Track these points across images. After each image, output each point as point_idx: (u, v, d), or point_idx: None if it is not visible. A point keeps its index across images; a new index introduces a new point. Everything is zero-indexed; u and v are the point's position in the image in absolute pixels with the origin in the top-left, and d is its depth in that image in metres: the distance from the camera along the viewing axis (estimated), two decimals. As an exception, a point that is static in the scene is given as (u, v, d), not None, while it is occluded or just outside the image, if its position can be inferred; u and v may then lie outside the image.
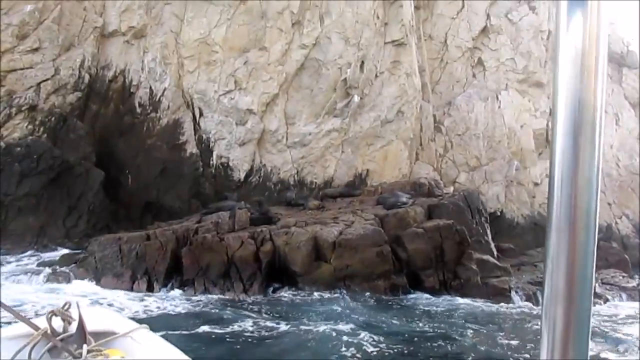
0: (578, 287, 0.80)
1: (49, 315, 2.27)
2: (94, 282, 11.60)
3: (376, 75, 19.96)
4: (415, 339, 9.30)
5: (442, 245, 13.31)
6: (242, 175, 19.00)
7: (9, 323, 2.64)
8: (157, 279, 11.77)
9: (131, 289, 11.65)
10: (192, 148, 19.06)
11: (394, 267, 12.86)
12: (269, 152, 19.42)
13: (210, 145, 19.08)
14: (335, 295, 11.89)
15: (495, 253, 14.95)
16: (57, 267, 12.07)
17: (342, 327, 9.25)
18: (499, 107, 21.32)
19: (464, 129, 21.11)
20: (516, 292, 13.26)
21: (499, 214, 20.82)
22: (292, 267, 12.32)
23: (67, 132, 18.13)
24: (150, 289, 11.73)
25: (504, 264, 14.35)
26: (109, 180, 18.54)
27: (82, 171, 17.94)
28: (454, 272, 13.30)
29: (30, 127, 17.66)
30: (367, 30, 19.48)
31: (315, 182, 19.63)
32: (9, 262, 13.36)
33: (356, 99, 19.58)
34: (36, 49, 17.85)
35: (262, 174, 19.34)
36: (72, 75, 18.11)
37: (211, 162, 19.07)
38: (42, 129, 17.78)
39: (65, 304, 2.36)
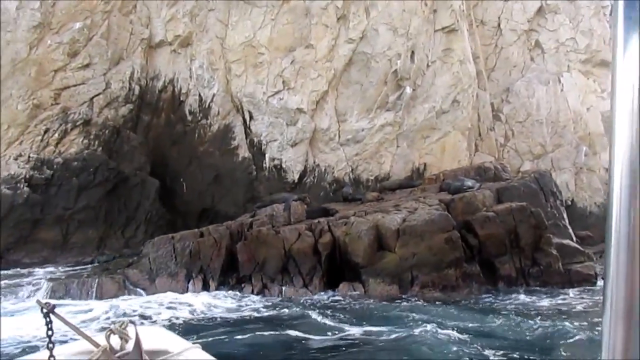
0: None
1: (108, 334, 2.30)
2: (148, 283, 10.79)
3: (428, 65, 18.79)
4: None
5: (516, 229, 11.93)
6: (296, 177, 18.12)
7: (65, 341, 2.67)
8: (213, 276, 10.95)
9: (186, 289, 10.81)
10: (244, 152, 18.37)
11: (464, 254, 11.48)
12: (322, 151, 18.48)
13: (262, 148, 18.33)
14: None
15: (574, 238, 13.31)
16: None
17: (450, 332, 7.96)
18: (562, 90, 19.68)
19: (525, 115, 19.56)
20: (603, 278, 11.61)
21: (569, 203, 19.02)
22: (354, 259, 11.22)
23: (121, 144, 17.84)
24: (205, 287, 10.88)
25: (586, 250, 12.70)
26: (164, 189, 18.10)
27: (137, 181, 17.58)
28: (532, 258, 11.82)
29: (85, 141, 17.45)
30: (415, 18, 18.40)
31: (371, 179, 18.54)
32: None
33: (408, 90, 18.44)
34: (87, 65, 17.72)
35: (316, 174, 18.40)
36: (122, 88, 17.86)
37: (264, 165, 18.30)
38: (97, 142, 17.54)
39: (123, 323, 2.38)
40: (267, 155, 18.28)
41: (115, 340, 2.31)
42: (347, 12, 18.45)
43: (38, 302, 2.25)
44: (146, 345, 2.31)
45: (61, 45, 17.48)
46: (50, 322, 2.22)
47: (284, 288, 10.96)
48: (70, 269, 14.96)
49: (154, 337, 2.58)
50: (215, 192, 18.29)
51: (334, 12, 18.36)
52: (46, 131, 17.25)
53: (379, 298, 10.72)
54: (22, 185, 16.44)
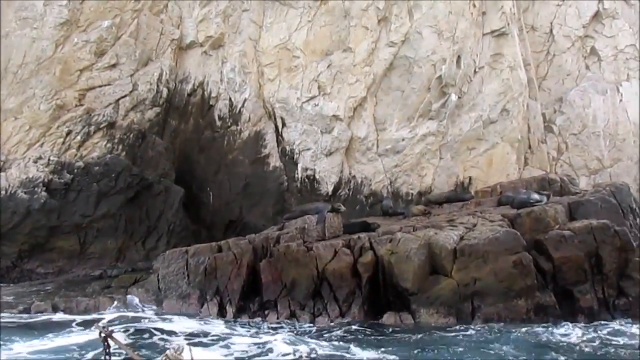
0: None
1: (164, 358, 2.33)
2: (155, 305, 8.31)
3: (475, 71, 16.25)
4: None
5: (597, 251, 9.12)
6: (330, 189, 15.69)
7: None
8: (231, 300, 8.45)
9: (199, 314, 8.26)
10: (275, 161, 16.05)
11: (536, 281, 8.71)
12: (359, 161, 16.00)
13: (295, 157, 15.97)
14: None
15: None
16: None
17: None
18: (621, 100, 16.89)
19: (580, 127, 16.77)
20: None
21: (630, 224, 15.94)
22: (402, 284, 8.66)
23: (146, 149, 15.77)
24: (222, 312, 8.34)
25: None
26: (189, 198, 15.88)
27: (161, 189, 15.44)
28: (617, 287, 8.97)
29: (109, 145, 15.45)
30: (462, 21, 15.89)
31: (412, 193, 16.00)
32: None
33: (453, 98, 15.91)
34: (114, 65, 15.81)
35: (351, 186, 15.91)
36: (150, 90, 15.84)
37: (296, 176, 15.92)
38: (120, 146, 15.53)
39: (179, 347, 2.38)
40: (299, 165, 15.91)
41: None
42: (389, 14, 16.11)
43: (97, 326, 1.70)
44: None
45: (88, 43, 15.62)
46: (108, 346, 2.27)
47: (316, 317, 8.34)
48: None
49: None
50: (244, 202, 15.99)
51: (375, 13, 16.02)
52: (68, 133, 15.33)
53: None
54: (39, 190, 14.54)
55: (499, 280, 8.60)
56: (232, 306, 8.62)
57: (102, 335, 2.15)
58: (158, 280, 9.07)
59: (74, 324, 7.89)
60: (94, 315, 7.97)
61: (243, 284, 8.91)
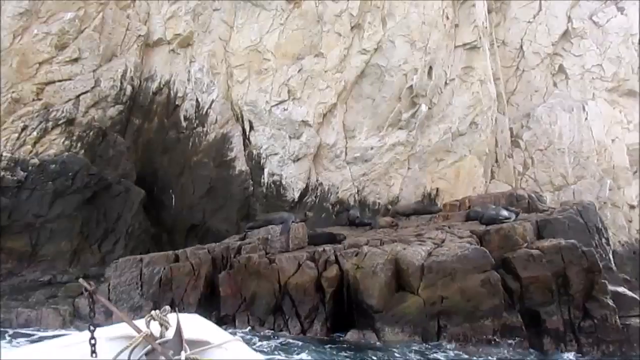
0: None
1: (148, 319, 2.16)
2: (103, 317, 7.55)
3: (446, 83, 15.96)
4: None
5: (565, 272, 8.83)
6: (297, 195, 15.12)
7: None
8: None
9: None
10: (241, 165, 15.38)
11: (503, 301, 8.35)
12: (326, 168, 15.49)
13: (261, 162, 15.34)
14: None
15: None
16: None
17: None
18: (586, 118, 16.87)
19: (546, 143, 16.69)
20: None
21: (591, 240, 15.91)
22: (367, 300, 8.18)
23: (107, 148, 14.85)
24: (175, 328, 7.64)
25: (643, 299, 9.56)
26: (150, 200, 15.06)
27: (121, 190, 14.54)
28: (583, 309, 8.68)
29: (67, 142, 14.51)
30: (435, 32, 15.60)
31: (379, 202, 15.55)
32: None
33: (424, 108, 15.58)
34: (76, 60, 14.87)
35: (318, 193, 15.39)
36: (113, 87, 14.95)
37: (262, 181, 15.29)
38: (79, 144, 14.58)
39: (164, 309, 2.21)
40: (266, 170, 15.29)
41: (155, 327, 2.13)
42: (362, 21, 15.69)
43: (81, 282, 2.12)
44: (186, 334, 2.12)
45: (49, 35, 14.63)
46: (93, 303, 2.11)
47: (276, 333, 7.75)
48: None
49: (194, 327, 2.34)
50: (207, 206, 15.24)
51: (348, 20, 15.57)
52: (24, 128, 14.32)
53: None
54: (-11, 187, 13.32)
55: (467, 300, 8.21)
56: (187, 321, 7.98)
57: (87, 291, 2.04)
58: (109, 290, 8.33)
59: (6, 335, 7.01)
60: (31, 331, 7.14)
61: (200, 297, 8.26)
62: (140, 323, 2.14)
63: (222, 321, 8.12)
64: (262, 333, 7.73)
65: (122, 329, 2.20)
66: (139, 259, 8.72)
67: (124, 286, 8.37)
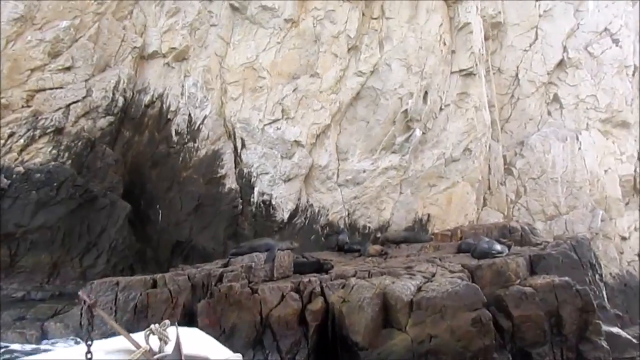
0: None
1: (147, 334, 2.12)
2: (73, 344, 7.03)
3: (441, 108, 15.66)
4: None
5: (558, 311, 8.37)
6: (286, 216, 14.66)
7: None
8: (160, 344, 7.12)
9: (122, 358, 7.02)
10: (231, 183, 14.92)
11: (494, 340, 7.86)
12: (317, 190, 15.07)
13: (252, 181, 14.89)
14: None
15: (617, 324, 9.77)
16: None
17: None
18: (580, 148, 16.58)
19: (539, 172, 16.37)
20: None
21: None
22: (352, 337, 7.68)
23: (95, 160, 14.37)
24: (148, 359, 7.09)
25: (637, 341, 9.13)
26: (137, 215, 14.53)
27: (106, 203, 14.01)
28: (576, 350, 8.23)
29: (54, 152, 14.02)
30: (431, 57, 15.31)
31: (369, 227, 15.12)
32: None
33: (418, 133, 15.24)
34: (68, 68, 14.44)
35: (308, 215, 14.93)
36: (105, 97, 14.52)
37: (252, 200, 14.83)
38: (66, 154, 14.10)
39: (163, 323, 2.17)
40: (256, 189, 14.84)
41: (154, 341, 2.09)
42: (360, 43, 15.40)
43: (80, 295, 2.18)
44: (186, 350, 2.04)
45: (42, 42, 14.23)
46: (92, 317, 2.11)
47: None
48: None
49: (194, 342, 2.27)
50: (195, 223, 14.74)
51: (346, 41, 15.28)
52: (11, 135, 13.84)
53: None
54: (-30, 194, 12.79)
55: (456, 339, 7.74)
56: (162, 352, 7.45)
57: (86, 303, 2.03)
58: (81, 314, 7.80)
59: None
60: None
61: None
62: (139, 337, 2.08)
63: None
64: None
65: (120, 342, 2.13)
66: (115, 282, 8.17)
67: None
